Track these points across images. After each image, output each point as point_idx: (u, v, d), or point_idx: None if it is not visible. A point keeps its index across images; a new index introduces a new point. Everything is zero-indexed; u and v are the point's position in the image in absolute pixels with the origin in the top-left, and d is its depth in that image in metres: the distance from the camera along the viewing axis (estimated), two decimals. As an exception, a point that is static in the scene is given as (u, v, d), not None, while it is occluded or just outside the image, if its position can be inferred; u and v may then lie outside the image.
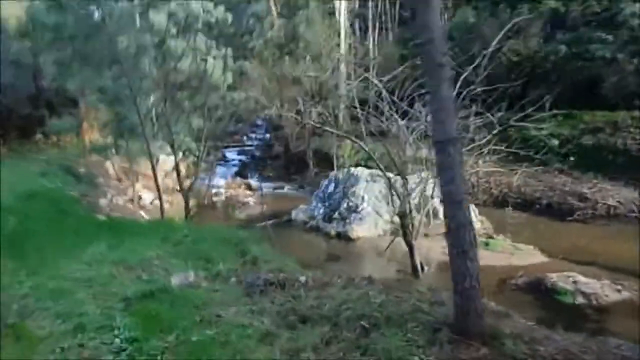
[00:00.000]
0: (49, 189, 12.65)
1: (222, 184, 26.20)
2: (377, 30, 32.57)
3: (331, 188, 15.00)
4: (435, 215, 13.75)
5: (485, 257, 9.15)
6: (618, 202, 14.83)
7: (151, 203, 19.21)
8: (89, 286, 5.43)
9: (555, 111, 21.02)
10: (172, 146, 22.25)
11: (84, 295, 5.09)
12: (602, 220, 14.29)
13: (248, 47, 27.70)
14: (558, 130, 20.72)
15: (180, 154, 24.03)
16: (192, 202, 21.05)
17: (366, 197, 13.71)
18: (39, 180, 13.80)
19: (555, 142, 20.23)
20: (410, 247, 8.11)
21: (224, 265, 5.91)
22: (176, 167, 14.99)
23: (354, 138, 9.05)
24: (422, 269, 9.52)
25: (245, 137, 37.06)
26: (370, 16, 32.15)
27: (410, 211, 8.77)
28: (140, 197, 18.61)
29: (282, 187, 26.73)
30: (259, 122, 36.12)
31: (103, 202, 14.70)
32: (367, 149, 8.77)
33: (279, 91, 27.20)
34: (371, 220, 13.38)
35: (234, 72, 24.30)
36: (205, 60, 20.17)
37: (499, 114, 24.39)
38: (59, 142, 25.13)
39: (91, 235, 7.91)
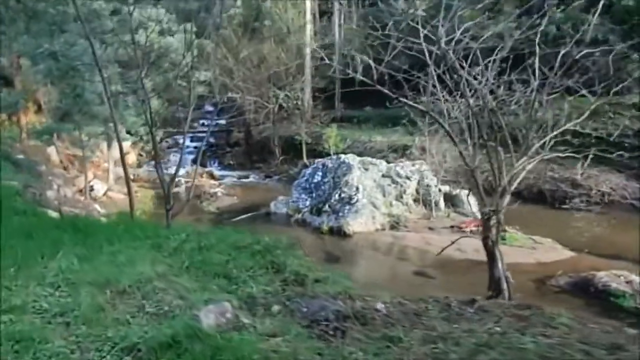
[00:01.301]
0: None
1: (180, 173, 24.02)
2: (342, 12, 31.10)
3: (318, 177, 13.54)
4: (430, 204, 12.70)
5: (507, 253, 8.04)
6: (611, 188, 14.45)
7: (104, 194, 16.88)
8: (64, 325, 3.70)
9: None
10: (128, 131, 19.89)
11: (60, 343, 3.37)
12: (598, 207, 13.83)
13: (208, 24, 25.34)
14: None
15: (129, 139, 21.56)
16: (150, 194, 19.00)
17: (361, 188, 12.37)
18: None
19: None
20: (493, 256, 6.27)
21: (256, 285, 4.32)
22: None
23: (434, 115, 7.40)
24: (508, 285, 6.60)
25: (196, 124, 34.66)
26: (336, -4, 30.57)
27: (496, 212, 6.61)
28: (92, 188, 16.25)
29: (247, 177, 24.93)
30: (210, 107, 33.88)
31: (50, 194, 12.38)
32: (446, 126, 7.16)
33: (242, 73, 25.20)
34: (367, 213, 12.09)
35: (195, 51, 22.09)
36: (165, 34, 17.93)
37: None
38: (-14, 124, 21.86)
39: (49, 240, 6.00)
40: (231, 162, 28.27)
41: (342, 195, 12.44)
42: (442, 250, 7.90)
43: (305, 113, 28.23)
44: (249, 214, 14.64)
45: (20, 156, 16.08)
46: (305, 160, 24.25)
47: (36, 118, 22.28)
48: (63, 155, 18.03)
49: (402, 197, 12.55)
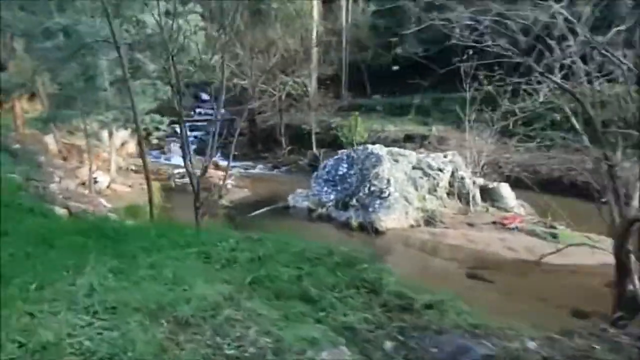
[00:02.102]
0: None
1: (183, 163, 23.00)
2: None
3: (343, 169, 12.60)
4: (466, 198, 11.81)
5: (570, 254, 7.17)
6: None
7: (108, 187, 15.82)
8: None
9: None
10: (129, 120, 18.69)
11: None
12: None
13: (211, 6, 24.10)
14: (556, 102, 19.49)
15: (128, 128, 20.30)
16: (155, 185, 17.94)
17: (392, 180, 11.45)
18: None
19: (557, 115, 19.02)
20: (626, 268, 5.12)
21: (350, 312, 3.40)
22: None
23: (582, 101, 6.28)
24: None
25: (192, 112, 33.50)
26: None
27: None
28: (95, 180, 15.18)
29: (254, 167, 23.95)
30: (205, 96, 32.65)
31: (54, 188, 11.33)
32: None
33: (249, 59, 24.03)
34: (400, 208, 11.20)
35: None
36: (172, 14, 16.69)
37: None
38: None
39: (71, 248, 5.03)
40: (235, 153, 27.14)
41: (372, 188, 11.52)
42: (542, 257, 6.98)
43: (312, 101, 27.19)
44: (267, 208, 13.71)
45: (17, 146, 14.97)
46: (314, 150, 23.30)
47: (29, 105, 21.07)
48: (62, 145, 16.91)
49: (435, 190, 11.68)
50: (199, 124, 31.64)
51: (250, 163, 24.95)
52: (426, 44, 27.98)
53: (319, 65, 27.60)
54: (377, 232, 10.87)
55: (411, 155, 12.27)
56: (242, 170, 22.27)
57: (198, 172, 19.78)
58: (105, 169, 17.76)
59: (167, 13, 16.84)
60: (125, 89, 14.54)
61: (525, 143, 15.89)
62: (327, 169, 13.34)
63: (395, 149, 12.70)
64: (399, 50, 28.60)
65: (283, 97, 25.32)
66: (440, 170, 11.79)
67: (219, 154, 26.68)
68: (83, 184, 14.86)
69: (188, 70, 19.33)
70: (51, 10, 10.54)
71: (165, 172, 20.53)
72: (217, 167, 21.82)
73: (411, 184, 11.61)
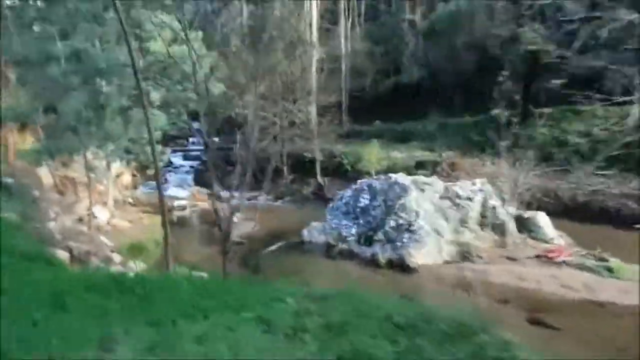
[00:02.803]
0: None
1: (182, 194, 21.96)
2: (347, 25, 29.72)
3: (364, 200, 11.74)
4: (500, 229, 10.98)
5: (633, 291, 6.34)
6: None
7: (108, 223, 14.74)
8: None
9: (565, 106, 19.52)
10: (127, 149, 17.76)
11: None
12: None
13: (213, 35, 23.70)
14: (572, 127, 19.12)
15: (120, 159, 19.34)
16: (157, 220, 16.89)
17: (421, 212, 10.60)
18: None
19: (577, 139, 18.66)
20: None
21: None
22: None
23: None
24: None
25: (186, 142, 32.64)
26: (342, 9, 29.20)
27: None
28: (94, 216, 14.12)
29: (255, 197, 22.95)
30: (196, 124, 31.86)
31: (52, 226, 10.28)
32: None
33: (249, 86, 23.43)
34: (432, 242, 10.32)
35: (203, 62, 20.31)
36: (175, 43, 16.07)
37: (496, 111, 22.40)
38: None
39: (91, 311, 4.10)
40: (234, 182, 26.07)
41: (399, 221, 10.66)
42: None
43: (313, 128, 26.60)
44: (280, 244, 12.75)
45: (10, 180, 13.90)
46: (319, 178, 22.50)
47: (19, 137, 20.06)
48: (57, 178, 15.87)
49: (466, 222, 10.85)
50: (193, 153, 30.83)
51: (252, 193, 23.96)
52: (427, 68, 27.94)
53: (319, 92, 27.15)
54: (409, 268, 9.95)
55: (437, 184, 11.48)
56: (244, 202, 21.21)
57: (194, 204, 18.55)
58: (102, 203, 16.72)
59: (174, 40, 16.25)
60: (127, 118, 13.75)
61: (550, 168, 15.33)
62: (344, 200, 12.48)
63: (419, 178, 11.91)
64: (401, 76, 28.44)
65: (285, 124, 24.69)
66: (470, 199, 11.01)
67: (216, 185, 25.70)
68: (80, 220, 13.80)
69: (189, 99, 18.65)
70: (54, 37, 9.78)
71: (164, 204, 19.43)
72: (218, 198, 20.85)
73: (441, 215, 10.79)
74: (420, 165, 18.25)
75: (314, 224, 13.14)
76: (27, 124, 20.87)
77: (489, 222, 10.89)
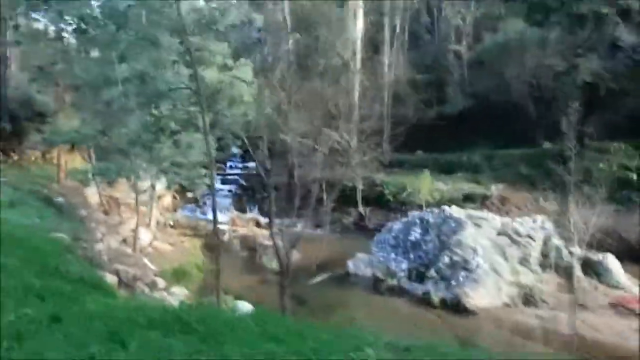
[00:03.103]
0: (25, 228, 8.22)
1: (221, 219, 21.88)
2: (391, 53, 29.65)
3: (416, 234, 11.19)
4: (565, 272, 10.13)
5: None
6: None
7: (150, 245, 14.68)
8: None
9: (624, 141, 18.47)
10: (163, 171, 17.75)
11: None
12: None
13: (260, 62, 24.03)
14: (631, 163, 18.03)
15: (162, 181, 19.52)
16: (196, 243, 16.79)
17: (478, 249, 9.95)
18: (8, 213, 9.27)
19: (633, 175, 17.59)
20: None
21: None
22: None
23: None
24: None
25: (224, 166, 32.84)
26: (385, 36, 29.20)
27: None
28: (137, 237, 14.11)
29: (294, 225, 22.56)
30: (234, 149, 32.03)
31: (100, 248, 10.21)
32: None
33: (294, 113, 23.51)
34: (491, 283, 9.62)
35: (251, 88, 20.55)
36: (226, 69, 16.25)
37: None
38: (20, 161, 20.23)
39: (148, 348, 3.75)
40: (272, 209, 25.81)
41: (455, 258, 10.03)
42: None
43: (353, 156, 26.30)
44: (325, 276, 12.27)
45: (60, 199, 14.14)
46: (360, 208, 22.01)
47: (68, 156, 20.63)
48: (103, 198, 16.07)
49: (527, 261, 10.11)
50: (230, 177, 30.97)
51: (289, 220, 23.62)
52: (473, 98, 27.36)
53: (361, 120, 26.95)
54: (466, 310, 9.25)
55: (493, 220, 10.83)
56: (283, 229, 20.86)
57: (235, 228, 18.31)
58: (144, 224, 16.77)
59: (224, 67, 16.44)
60: (176, 142, 13.80)
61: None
62: (393, 233, 11.95)
63: (474, 212, 11.30)
64: (445, 105, 27.96)
65: (326, 150, 24.51)
66: (531, 237, 10.29)
67: (255, 210, 25.57)
68: (124, 241, 13.79)
69: (237, 123, 18.64)
70: (112, 61, 9.96)
71: (203, 227, 19.36)
72: (257, 224, 20.67)
73: (499, 253, 10.10)
74: (468, 198, 17.53)
75: (360, 255, 12.65)
76: (75, 144, 21.53)
77: (552, 263, 10.12)
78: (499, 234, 10.56)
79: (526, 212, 17.08)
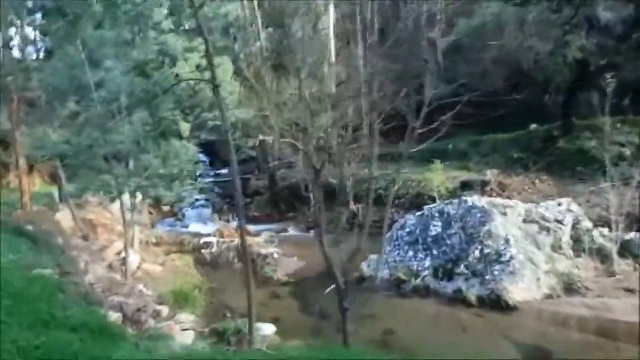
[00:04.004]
0: (6, 267, 6.87)
1: (206, 230, 20.51)
2: (365, 45, 28.91)
3: (436, 229, 10.39)
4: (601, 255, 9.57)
5: None
6: None
7: (139, 268, 13.29)
8: None
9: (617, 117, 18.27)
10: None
11: None
12: None
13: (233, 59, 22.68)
14: (627, 138, 17.79)
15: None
16: (187, 260, 15.46)
17: (512, 240, 9.24)
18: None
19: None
20: None
21: None
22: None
23: None
24: None
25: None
26: (357, 27, 28.46)
27: None
28: (125, 261, 12.73)
29: (286, 230, 21.52)
30: (201, 156, 30.46)
31: (90, 280, 8.88)
32: None
33: (274, 111, 22.34)
34: (529, 274, 8.93)
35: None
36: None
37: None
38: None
39: None
40: (256, 214, 24.68)
41: (486, 250, 9.29)
42: None
43: (335, 153, 25.41)
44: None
45: (29, 227, 12.55)
46: (352, 206, 21.12)
47: (28, 180, 18.87)
48: (79, 221, 14.53)
49: (560, 248, 9.48)
50: (205, 186, 29.44)
51: (278, 225, 22.56)
52: (451, 85, 26.97)
53: (341, 115, 26.02)
54: (507, 306, 8.51)
55: (518, 206, 10.16)
56: (274, 234, 19.80)
57: (223, 240, 16.98)
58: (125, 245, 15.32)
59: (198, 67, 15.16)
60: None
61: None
62: (407, 229, 11.12)
63: (497, 200, 10.62)
64: (424, 95, 27.44)
65: (310, 150, 23.52)
66: (560, 222, 9.67)
67: (235, 218, 24.18)
68: (110, 266, 12.40)
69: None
70: (83, 62, 8.65)
71: (189, 242, 17.98)
72: (247, 233, 19.31)
73: (531, 242, 9.42)
74: (466, 186, 16.94)
75: (373, 257, 11.74)
76: (34, 165, 19.66)
77: (586, 247, 9.54)
78: (525, 221, 9.90)
79: (526, 196, 16.68)
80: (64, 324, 5.17)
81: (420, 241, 10.60)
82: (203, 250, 17.01)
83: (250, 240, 17.38)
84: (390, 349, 7.88)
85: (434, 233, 10.37)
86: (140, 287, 10.42)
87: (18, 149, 14.86)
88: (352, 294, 5.31)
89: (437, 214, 10.52)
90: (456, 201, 10.66)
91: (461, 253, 9.69)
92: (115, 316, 6.59)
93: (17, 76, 14.10)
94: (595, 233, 9.73)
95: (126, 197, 20.05)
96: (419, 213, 11.30)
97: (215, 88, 6.47)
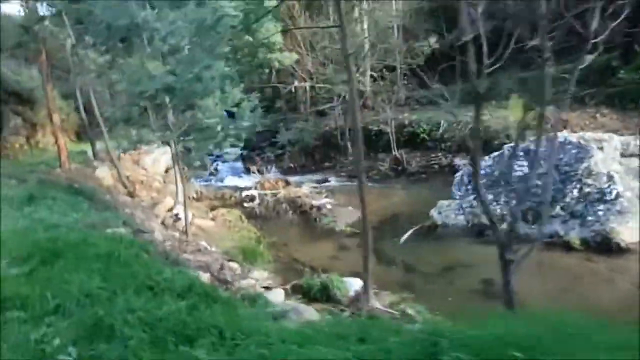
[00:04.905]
0: (70, 227, 6.21)
1: (243, 184, 19.85)
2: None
3: (522, 169, 9.42)
4: None
5: None
6: None
7: (191, 224, 12.72)
8: None
9: None
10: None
11: None
12: None
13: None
14: None
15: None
16: (235, 214, 14.81)
17: (616, 177, 8.29)
18: (35, 211, 7.20)
19: None
20: None
21: None
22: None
23: None
24: None
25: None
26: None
27: None
28: (177, 217, 12.16)
29: (326, 180, 20.71)
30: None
31: (158, 238, 8.26)
32: None
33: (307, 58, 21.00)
34: (636, 212, 8.01)
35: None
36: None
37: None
38: (4, 150, 17.72)
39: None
40: (291, 165, 23.84)
41: (586, 189, 8.38)
42: None
43: (370, 98, 24.30)
44: (412, 231, 10.52)
45: (76, 185, 11.94)
46: (395, 152, 20.11)
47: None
48: (123, 178, 13.90)
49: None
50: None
51: (314, 176, 21.75)
52: (487, 21, 25.05)
53: (371, 58, 24.54)
54: (619, 248, 7.71)
55: (612, 139, 9.13)
56: (317, 185, 19.01)
57: (264, 192, 16.21)
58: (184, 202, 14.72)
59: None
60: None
61: None
62: (482, 172, 10.17)
63: (588, 134, 9.58)
64: (457, 33, 25.58)
65: (345, 96, 22.38)
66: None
67: (272, 169, 23.35)
68: (163, 223, 11.84)
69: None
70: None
71: (230, 196, 17.36)
72: (287, 184, 18.57)
73: (634, 177, 8.48)
74: (520, 127, 15.73)
75: (444, 202, 10.93)
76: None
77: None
78: (624, 155, 8.91)
79: (588, 131, 15.53)
80: (168, 288, 4.49)
81: (503, 183, 9.70)
82: (245, 204, 16.38)
83: (296, 191, 16.71)
84: (494, 299, 7.19)
85: (519, 174, 9.44)
86: (204, 243, 9.82)
87: (50, 105, 14.07)
88: (516, 244, 4.42)
89: (521, 153, 9.53)
90: (544, 137, 9.61)
91: (556, 194, 8.78)
92: (205, 277, 5.93)
93: (43, 26, 13.08)
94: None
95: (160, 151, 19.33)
96: (496, 153, 10.33)
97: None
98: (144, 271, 4.81)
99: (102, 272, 4.57)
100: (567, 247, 8.18)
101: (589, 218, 8.20)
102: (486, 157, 10.52)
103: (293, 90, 21.85)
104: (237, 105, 11.99)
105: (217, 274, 6.57)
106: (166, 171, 19.69)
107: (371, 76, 24.39)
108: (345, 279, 7.73)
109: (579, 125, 15.88)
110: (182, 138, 13.09)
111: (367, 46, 24.22)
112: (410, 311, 5.70)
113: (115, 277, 4.47)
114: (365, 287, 5.83)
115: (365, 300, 5.63)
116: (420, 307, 6.06)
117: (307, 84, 20.86)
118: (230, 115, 26.34)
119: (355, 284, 7.67)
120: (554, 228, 8.55)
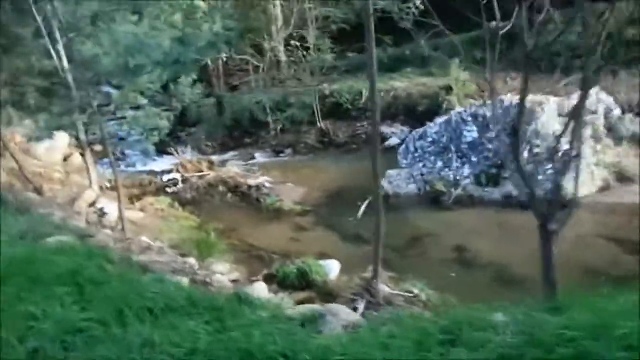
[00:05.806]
0: (8, 242, 4.97)
1: (159, 167, 18.15)
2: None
3: (471, 134, 9.60)
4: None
5: None
6: None
7: (119, 218, 11.26)
8: None
9: None
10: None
11: None
12: None
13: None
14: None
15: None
16: (164, 201, 13.52)
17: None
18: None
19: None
20: None
21: None
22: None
23: None
24: None
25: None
26: None
27: None
28: (102, 212, 10.70)
29: (251, 157, 19.78)
30: (108, 88, 26.35)
31: (105, 240, 7.04)
32: None
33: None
34: (583, 169, 8.54)
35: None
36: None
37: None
38: None
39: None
40: (208, 144, 22.38)
41: (535, 150, 8.74)
42: None
43: (283, 69, 23.61)
44: (364, 204, 10.30)
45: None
46: (320, 124, 19.75)
47: None
48: (26, 173, 11.89)
49: (600, 138, 9.22)
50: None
51: (236, 153, 20.69)
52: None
53: (285, 26, 23.71)
54: (569, 204, 8.14)
55: (549, 101, 9.62)
56: (242, 163, 18.11)
57: (186, 175, 15.24)
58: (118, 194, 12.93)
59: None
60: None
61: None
62: (429, 139, 10.26)
63: (528, 97, 9.95)
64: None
65: (265, 68, 21.42)
66: (594, 112, 9.34)
67: (187, 149, 21.73)
68: (88, 222, 10.31)
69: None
70: None
71: (150, 181, 15.87)
72: (211, 163, 17.34)
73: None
74: (450, 90, 16.26)
75: (392, 172, 10.85)
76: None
77: (623, 135, 9.38)
78: (561, 115, 9.43)
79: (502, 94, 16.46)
80: (167, 305, 3.68)
81: (453, 149, 9.81)
82: (169, 189, 15.11)
83: (226, 171, 15.66)
84: (475, 267, 7.27)
85: (469, 139, 9.61)
86: (145, 239, 8.70)
87: None
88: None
89: (469, 118, 9.69)
90: (489, 102, 9.85)
91: (506, 155, 9.05)
92: (184, 281, 5.09)
93: None
94: (626, 119, 9.59)
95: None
96: (443, 119, 10.41)
97: None
98: (125, 288, 3.91)
99: (75, 298, 3.61)
100: (521, 207, 8.49)
101: (540, 177, 8.59)
102: (431, 124, 10.56)
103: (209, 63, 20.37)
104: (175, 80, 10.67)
105: (193, 276, 5.73)
106: (64, 160, 17.49)
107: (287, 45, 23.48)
108: (321, 262, 7.29)
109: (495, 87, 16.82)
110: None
111: (280, 15, 23.32)
112: (415, 290, 5.45)
113: (97, 302, 3.55)
114: (375, 273, 5.42)
115: (377, 287, 5.23)
116: (420, 284, 5.85)
117: (222, 56, 19.54)
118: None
119: (333, 267, 7.27)
120: (508, 189, 8.85)
